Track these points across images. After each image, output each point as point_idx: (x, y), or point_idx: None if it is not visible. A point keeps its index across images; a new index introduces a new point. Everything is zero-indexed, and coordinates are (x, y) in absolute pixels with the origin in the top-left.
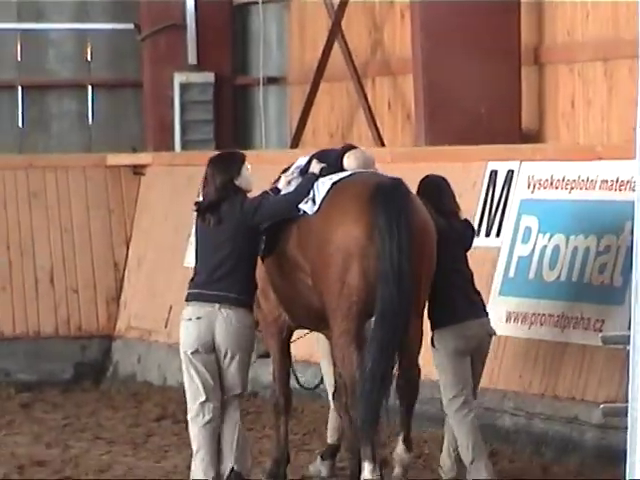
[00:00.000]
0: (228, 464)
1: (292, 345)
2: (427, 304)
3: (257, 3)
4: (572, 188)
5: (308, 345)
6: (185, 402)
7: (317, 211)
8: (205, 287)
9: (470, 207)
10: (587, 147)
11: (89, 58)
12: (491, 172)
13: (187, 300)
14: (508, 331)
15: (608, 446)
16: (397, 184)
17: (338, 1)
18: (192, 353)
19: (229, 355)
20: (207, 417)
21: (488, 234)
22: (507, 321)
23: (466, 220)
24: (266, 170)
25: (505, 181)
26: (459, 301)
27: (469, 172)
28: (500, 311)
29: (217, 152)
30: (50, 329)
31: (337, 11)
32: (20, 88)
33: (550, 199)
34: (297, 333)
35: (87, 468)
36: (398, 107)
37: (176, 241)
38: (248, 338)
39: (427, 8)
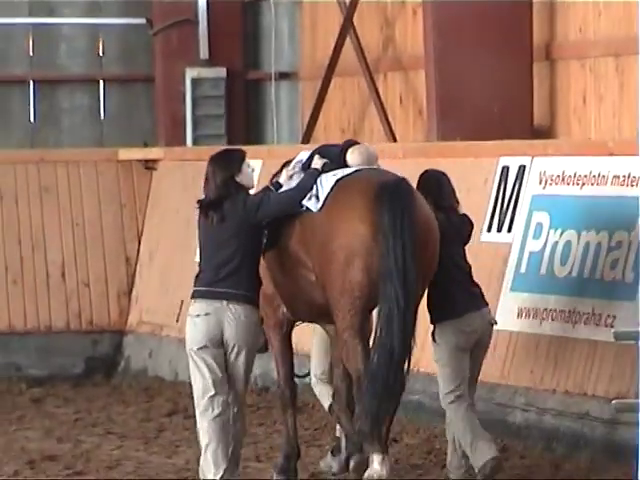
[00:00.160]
0: (219, 473)
1: None
2: (427, 299)
3: None
4: (584, 184)
5: (294, 335)
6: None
7: (321, 208)
8: (212, 285)
9: (482, 203)
10: (599, 143)
11: (101, 53)
12: (503, 168)
13: (193, 297)
14: (519, 327)
15: (619, 442)
16: (401, 182)
17: None
18: (200, 348)
19: (236, 350)
20: (217, 411)
21: (500, 230)
22: (518, 317)
23: (464, 215)
24: (277, 165)
25: (517, 177)
26: (459, 295)
27: (481, 168)
28: (511, 307)
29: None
30: (61, 324)
31: (349, 6)
32: (32, 83)
33: (562, 195)
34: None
35: (98, 463)
36: (410, 102)
37: (188, 236)
38: (255, 334)
39: (439, 4)
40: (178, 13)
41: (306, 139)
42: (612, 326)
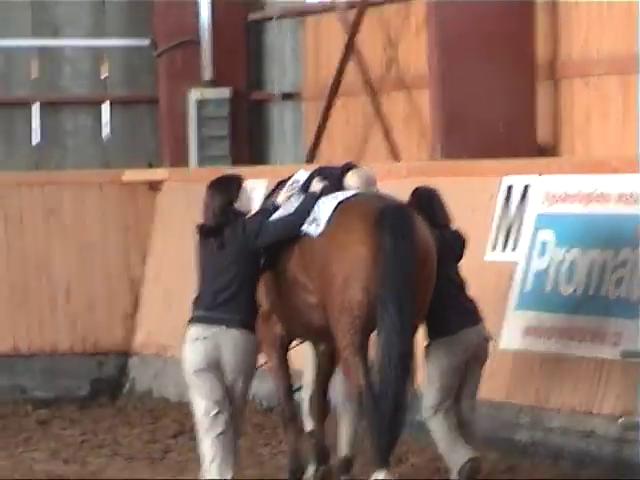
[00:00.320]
0: None
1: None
2: None
3: (272, 19)
4: (588, 202)
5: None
6: None
7: (321, 232)
8: (210, 309)
9: (486, 221)
10: (603, 161)
11: (105, 74)
12: (507, 186)
13: (191, 322)
14: (524, 345)
15: (625, 460)
16: (402, 208)
17: (353, 17)
18: (199, 370)
19: (234, 374)
20: (220, 429)
21: (504, 248)
22: (524, 335)
23: (456, 231)
24: None
25: (521, 195)
26: (452, 312)
27: (485, 186)
28: (517, 325)
29: (221, 173)
30: (66, 345)
31: (352, 27)
32: (36, 105)
33: (566, 213)
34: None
35: None
36: (413, 121)
37: (192, 257)
38: (252, 359)
39: (443, 23)
40: (182, 34)
41: (310, 159)
42: (617, 344)
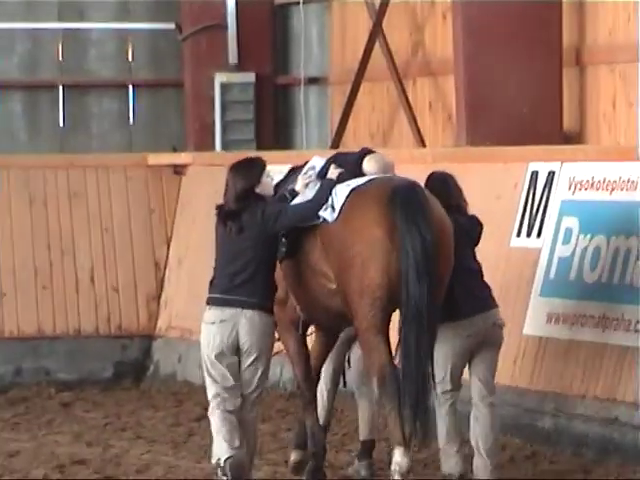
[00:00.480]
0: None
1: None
2: None
3: (298, 3)
4: (613, 189)
5: None
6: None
7: (337, 218)
8: (227, 292)
9: (511, 208)
10: (628, 148)
11: (130, 58)
12: (532, 173)
13: (209, 304)
14: (549, 332)
15: None
16: (414, 186)
17: (379, 1)
18: (216, 355)
19: (251, 355)
20: (228, 408)
21: (529, 235)
22: (548, 322)
23: (473, 216)
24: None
25: (546, 182)
26: (462, 298)
27: (510, 173)
28: (541, 312)
29: (242, 156)
30: (90, 328)
31: (378, 11)
32: (61, 88)
33: (591, 200)
34: None
35: (127, 467)
36: (439, 107)
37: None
38: (269, 340)
39: (469, 9)
40: (207, 18)
41: (335, 144)
42: None
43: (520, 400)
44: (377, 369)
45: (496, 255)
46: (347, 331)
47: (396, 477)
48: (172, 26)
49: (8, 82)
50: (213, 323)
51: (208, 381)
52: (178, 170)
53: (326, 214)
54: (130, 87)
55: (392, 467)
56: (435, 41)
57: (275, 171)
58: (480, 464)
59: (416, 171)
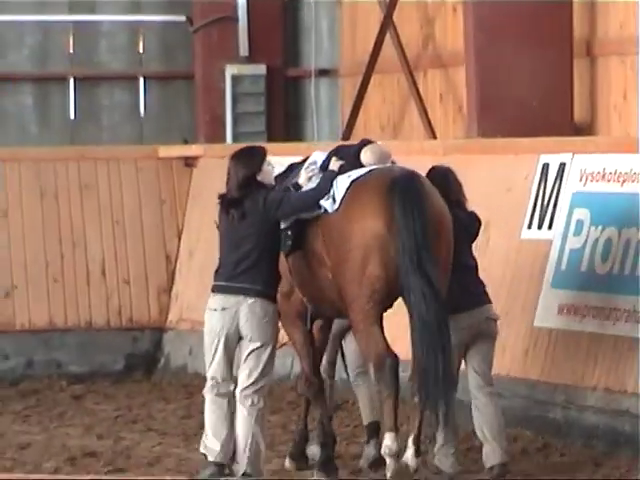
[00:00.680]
0: (241, 466)
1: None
2: None
3: None
4: (624, 181)
5: None
6: None
7: (337, 209)
8: (230, 279)
9: (522, 200)
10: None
11: (141, 50)
12: (543, 165)
13: (213, 291)
14: (560, 324)
15: None
16: (412, 176)
17: None
18: (217, 342)
19: (252, 343)
20: (216, 390)
21: (540, 227)
22: (559, 313)
23: (472, 212)
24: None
25: (557, 174)
26: (457, 293)
27: (521, 164)
28: (552, 303)
29: (241, 146)
30: (102, 321)
31: (389, 4)
32: (72, 80)
33: (602, 192)
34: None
35: (139, 460)
36: (450, 99)
37: None
38: (271, 328)
39: (480, 1)
40: (218, 10)
41: (346, 136)
42: None
43: (531, 392)
44: (374, 357)
45: (507, 247)
46: (339, 323)
47: (387, 459)
48: (183, 18)
49: (19, 75)
50: (215, 310)
51: (207, 364)
52: (189, 162)
53: (327, 204)
54: (141, 79)
55: (382, 450)
56: (446, 34)
57: (277, 161)
58: (489, 450)
59: (427, 163)
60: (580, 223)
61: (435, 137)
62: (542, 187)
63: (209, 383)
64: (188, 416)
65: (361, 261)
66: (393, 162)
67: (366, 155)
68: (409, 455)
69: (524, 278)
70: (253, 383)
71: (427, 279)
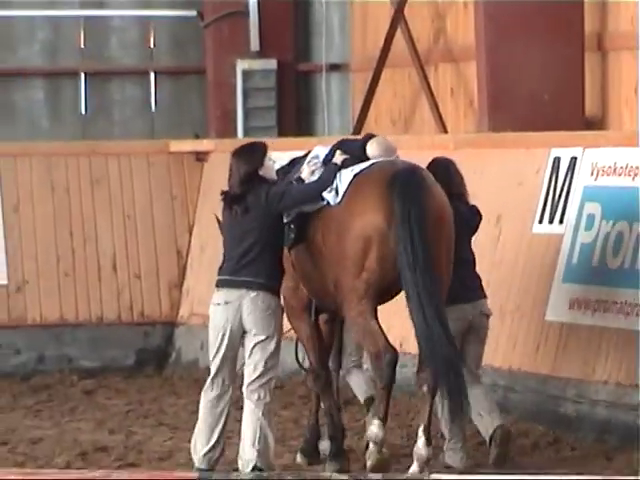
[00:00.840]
0: (251, 459)
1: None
2: None
3: None
4: (635, 175)
5: None
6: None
7: (340, 202)
8: (233, 274)
9: (533, 194)
10: None
11: (152, 45)
12: (554, 159)
13: (217, 286)
14: (571, 318)
15: None
16: (414, 170)
17: None
18: (221, 337)
19: (255, 336)
20: (213, 393)
21: (551, 221)
22: (570, 308)
23: (473, 205)
24: None
25: (568, 168)
26: (453, 285)
27: (532, 158)
28: (563, 298)
29: (244, 142)
30: (113, 316)
31: None
32: (83, 75)
33: (613, 186)
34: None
35: (150, 454)
36: (461, 94)
37: None
38: (274, 320)
39: None
40: (229, 5)
41: (357, 131)
42: None
43: (542, 386)
44: (374, 352)
45: (518, 241)
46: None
47: (371, 444)
48: (194, 13)
49: (30, 70)
50: (219, 304)
51: (211, 359)
52: (200, 157)
53: (330, 197)
54: (152, 74)
55: (368, 433)
56: (457, 28)
57: (288, 156)
58: (487, 422)
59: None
60: (591, 217)
61: (446, 131)
62: (553, 181)
63: (208, 382)
64: (199, 411)
65: (360, 254)
66: (398, 157)
67: (372, 147)
68: (420, 444)
69: (535, 272)
70: (259, 377)
71: (422, 274)
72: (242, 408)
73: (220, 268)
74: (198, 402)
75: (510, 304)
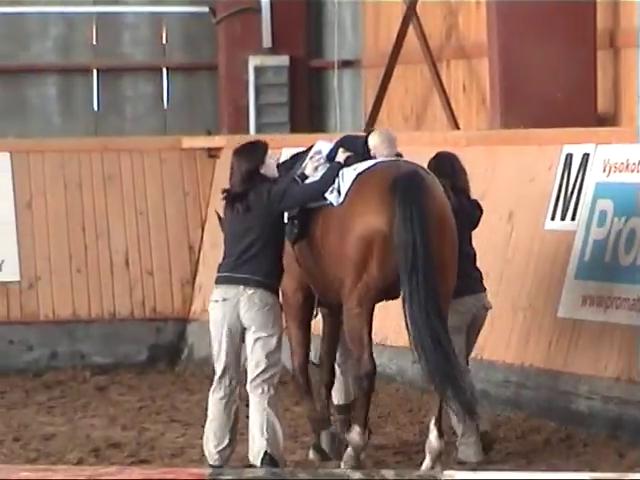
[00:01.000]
0: (261, 448)
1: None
2: None
3: None
4: None
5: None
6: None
7: (342, 202)
8: (232, 270)
9: (545, 190)
10: None
11: (164, 41)
12: (566, 155)
13: (216, 282)
14: (583, 315)
15: None
16: (415, 173)
17: None
18: (221, 334)
19: (254, 333)
20: (221, 393)
21: (563, 217)
22: (582, 305)
23: (475, 200)
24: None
25: (580, 164)
26: (458, 278)
27: (544, 155)
28: (575, 295)
29: (244, 141)
30: (125, 312)
31: None
32: (95, 71)
33: (626, 182)
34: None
35: (162, 451)
36: (473, 90)
37: None
38: (272, 318)
39: None
40: (241, 2)
41: (369, 127)
42: None
43: (555, 383)
44: (356, 357)
45: (531, 238)
46: None
47: (349, 449)
48: (206, 9)
49: (43, 66)
50: (217, 301)
51: (214, 359)
52: (212, 153)
53: (332, 197)
54: (164, 70)
55: (348, 438)
56: (469, 24)
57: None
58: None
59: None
60: (603, 214)
61: (458, 128)
62: (565, 178)
63: (216, 381)
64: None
65: (361, 255)
66: (400, 154)
67: (373, 139)
68: (432, 437)
69: (548, 269)
70: (262, 373)
71: (421, 278)
72: (248, 405)
73: (220, 265)
74: None
75: (522, 301)
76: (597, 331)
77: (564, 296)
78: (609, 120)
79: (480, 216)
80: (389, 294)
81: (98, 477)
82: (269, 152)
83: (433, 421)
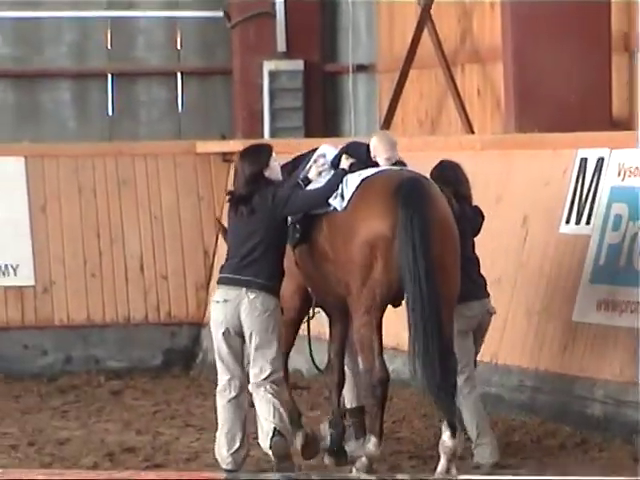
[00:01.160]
0: (269, 429)
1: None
2: None
3: None
4: None
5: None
6: None
7: (345, 207)
8: (235, 272)
9: (560, 195)
10: None
11: (179, 46)
12: (581, 159)
13: (218, 283)
14: (598, 319)
15: None
16: (418, 181)
17: None
18: (220, 333)
19: (254, 338)
20: (233, 393)
21: (578, 222)
22: (598, 309)
23: (476, 206)
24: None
25: (595, 168)
26: (463, 283)
27: (559, 159)
28: (590, 299)
29: (248, 144)
30: (140, 316)
31: None
32: (110, 76)
33: None
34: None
35: (177, 455)
36: (487, 94)
37: None
38: (272, 323)
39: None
40: (256, 6)
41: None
42: None
43: (570, 387)
44: (367, 367)
45: (545, 242)
46: None
47: (363, 458)
48: (221, 14)
49: (57, 71)
50: (218, 302)
51: (217, 358)
52: (227, 158)
53: (336, 203)
54: (179, 75)
55: (364, 449)
56: (483, 28)
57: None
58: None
59: (465, 158)
60: (618, 218)
61: (473, 132)
62: (580, 182)
63: (222, 384)
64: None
65: (366, 262)
66: (402, 162)
67: (373, 139)
68: (445, 437)
69: (562, 273)
70: (266, 378)
71: (422, 284)
72: (254, 406)
73: (222, 266)
74: None
75: (537, 305)
76: (612, 335)
77: (579, 300)
78: (624, 124)
79: (482, 223)
80: (396, 299)
81: None
82: (274, 155)
83: (445, 422)
